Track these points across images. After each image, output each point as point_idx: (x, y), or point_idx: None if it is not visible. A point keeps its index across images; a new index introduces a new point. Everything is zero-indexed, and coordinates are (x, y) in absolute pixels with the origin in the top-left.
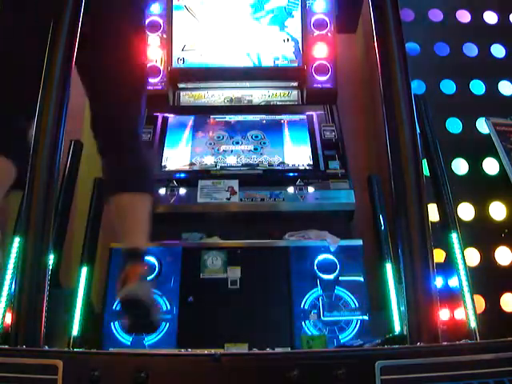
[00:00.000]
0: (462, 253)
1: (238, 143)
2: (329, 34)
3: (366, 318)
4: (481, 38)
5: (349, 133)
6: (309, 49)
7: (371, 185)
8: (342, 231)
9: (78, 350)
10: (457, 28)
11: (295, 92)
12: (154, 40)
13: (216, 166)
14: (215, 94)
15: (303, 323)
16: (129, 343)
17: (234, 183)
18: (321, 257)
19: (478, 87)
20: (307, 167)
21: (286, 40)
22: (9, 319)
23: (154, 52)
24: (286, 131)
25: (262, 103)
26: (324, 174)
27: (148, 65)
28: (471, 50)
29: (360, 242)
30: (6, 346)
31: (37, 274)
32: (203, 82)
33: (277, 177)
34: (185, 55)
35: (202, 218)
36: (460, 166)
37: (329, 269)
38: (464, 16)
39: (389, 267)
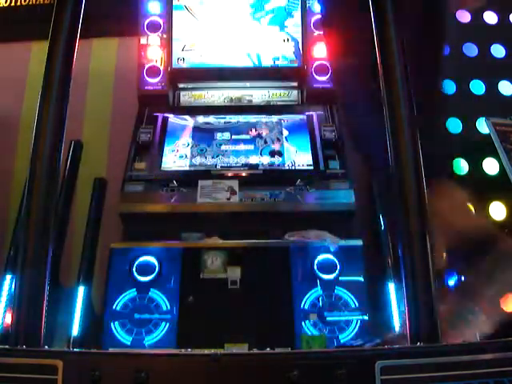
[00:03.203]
0: None
1: (237, 143)
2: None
3: (365, 318)
4: (481, 38)
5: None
6: (309, 49)
7: (371, 185)
8: (342, 231)
9: (77, 349)
10: (456, 28)
11: (295, 92)
12: (154, 40)
13: (216, 166)
14: (215, 94)
15: (303, 323)
16: (129, 343)
17: (234, 183)
18: (321, 257)
19: (478, 87)
20: (307, 167)
21: (285, 40)
22: (9, 319)
23: (153, 52)
24: (286, 131)
25: (262, 103)
26: (324, 174)
27: (148, 65)
28: (471, 49)
29: (360, 242)
30: (6, 346)
31: (37, 274)
32: (203, 82)
33: (277, 177)
34: (185, 55)
35: (201, 218)
36: (460, 166)
37: (329, 269)
38: (464, 16)
39: (389, 267)
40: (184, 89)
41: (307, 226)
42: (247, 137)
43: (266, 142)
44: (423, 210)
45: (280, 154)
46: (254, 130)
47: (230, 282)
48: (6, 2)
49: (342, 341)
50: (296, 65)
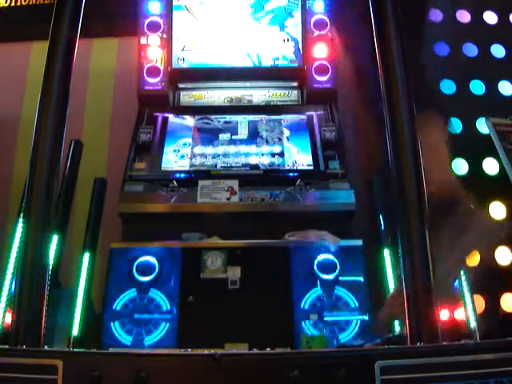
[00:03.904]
0: None
1: (237, 143)
2: (329, 34)
3: (366, 318)
4: (481, 38)
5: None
6: (309, 49)
7: (371, 185)
8: (342, 231)
9: (77, 350)
10: (456, 28)
11: (295, 92)
12: (153, 40)
13: (216, 166)
14: (215, 94)
15: (303, 323)
16: (129, 343)
17: (234, 183)
18: (321, 257)
19: (478, 87)
20: (307, 167)
21: (286, 40)
22: (9, 319)
23: (153, 52)
24: (286, 131)
25: (262, 103)
26: (324, 174)
27: (148, 65)
28: (471, 50)
29: (360, 242)
30: (6, 346)
31: (37, 274)
32: (203, 82)
33: (277, 177)
34: (185, 55)
35: (202, 218)
36: (460, 166)
37: (329, 269)
38: (464, 16)
39: (389, 267)
40: (184, 89)
41: (307, 225)
42: (247, 137)
43: (266, 142)
44: (423, 210)
45: (281, 154)
46: (253, 130)
47: (230, 282)
48: (5, 2)
49: (341, 341)
50: (296, 65)
